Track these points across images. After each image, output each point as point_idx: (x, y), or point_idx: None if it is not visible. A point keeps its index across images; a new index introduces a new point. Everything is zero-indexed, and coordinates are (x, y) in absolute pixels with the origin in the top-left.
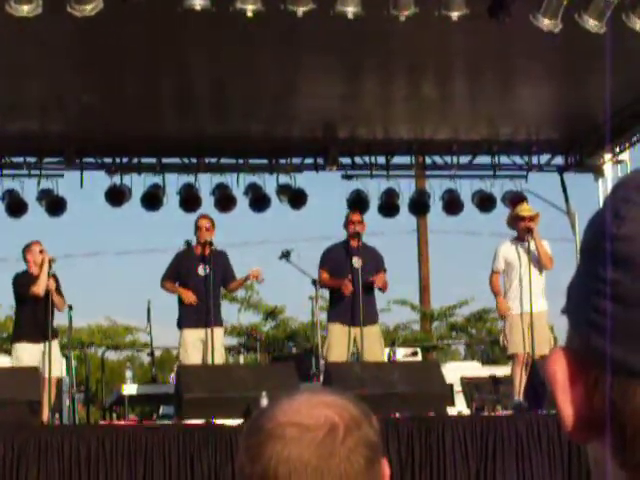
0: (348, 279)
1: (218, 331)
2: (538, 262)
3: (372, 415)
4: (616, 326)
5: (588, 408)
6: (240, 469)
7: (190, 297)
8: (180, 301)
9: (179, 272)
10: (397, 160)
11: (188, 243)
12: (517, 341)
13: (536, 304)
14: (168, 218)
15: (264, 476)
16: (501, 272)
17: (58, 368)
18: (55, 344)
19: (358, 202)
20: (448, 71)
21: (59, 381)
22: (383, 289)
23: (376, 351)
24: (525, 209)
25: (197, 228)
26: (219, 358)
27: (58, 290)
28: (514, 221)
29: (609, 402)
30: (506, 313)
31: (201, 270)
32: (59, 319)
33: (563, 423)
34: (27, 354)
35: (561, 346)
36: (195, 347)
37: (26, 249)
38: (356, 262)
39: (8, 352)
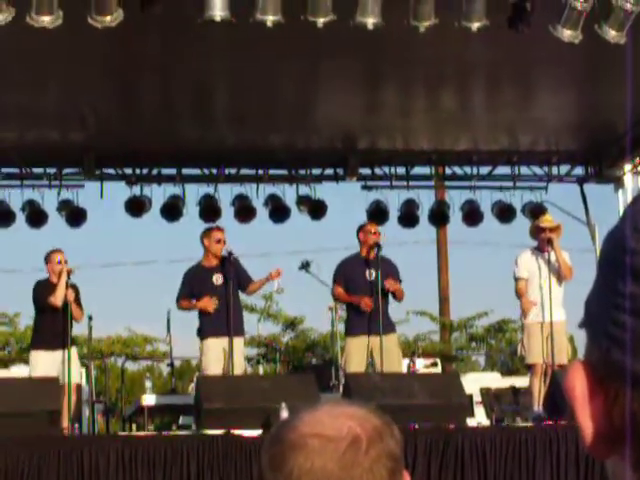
0: (366, 298)
1: (239, 341)
2: (558, 272)
3: (394, 426)
4: (636, 339)
5: (608, 422)
6: (262, 478)
7: (210, 304)
8: (200, 311)
9: (193, 288)
10: (417, 171)
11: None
12: (536, 351)
13: (555, 314)
14: (188, 229)
15: None
16: (525, 279)
17: (76, 376)
18: (73, 352)
19: (378, 213)
20: (468, 81)
21: (78, 389)
22: (398, 298)
23: (394, 360)
24: (546, 220)
25: (215, 241)
26: (239, 368)
27: (77, 301)
28: (535, 232)
29: (629, 415)
30: (528, 310)
31: (216, 280)
32: (78, 328)
33: (582, 438)
34: (44, 362)
35: (580, 360)
36: (217, 357)
37: (46, 258)
38: (371, 274)
39: (28, 362)
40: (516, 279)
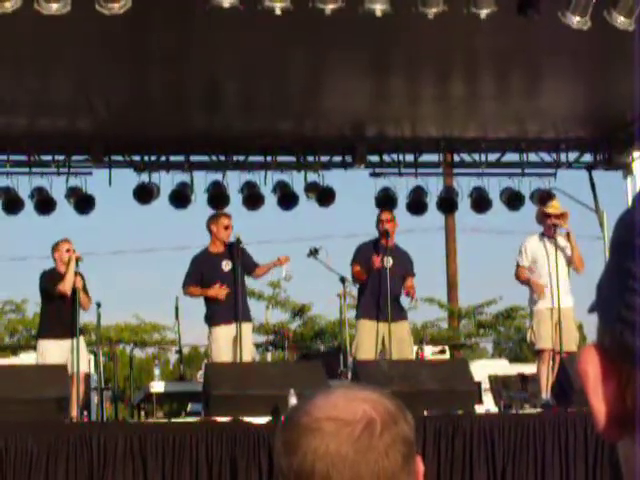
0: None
1: (247, 326)
2: (566, 259)
3: (407, 411)
4: None
5: (621, 405)
6: (277, 463)
7: (220, 292)
8: (208, 298)
9: (202, 274)
10: (425, 158)
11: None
12: (545, 336)
13: (563, 300)
14: (196, 216)
15: (301, 470)
16: (525, 267)
17: (85, 364)
18: (81, 341)
19: (386, 200)
20: (476, 69)
21: (87, 377)
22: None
23: (405, 347)
24: (552, 206)
25: (223, 227)
26: (248, 353)
27: (84, 289)
28: (541, 218)
29: None
30: (542, 290)
31: (225, 266)
32: (86, 316)
33: (595, 421)
34: (52, 351)
35: (592, 343)
36: (226, 343)
37: (54, 247)
38: (386, 261)
39: (36, 349)
40: (517, 265)
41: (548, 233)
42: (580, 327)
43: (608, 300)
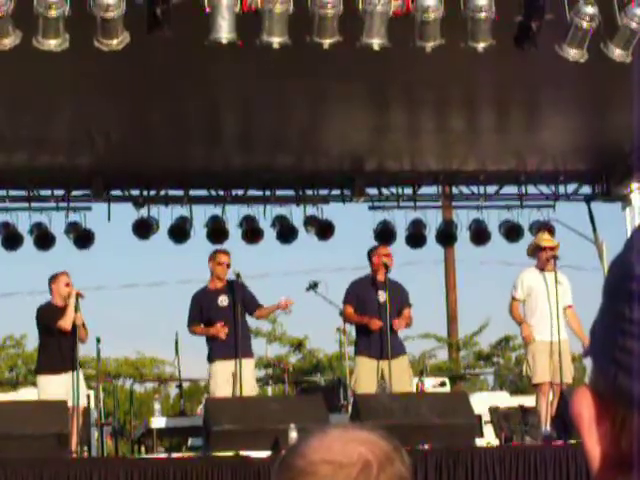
0: (376, 319)
1: (248, 362)
2: (561, 292)
3: (403, 449)
4: None
5: (615, 447)
6: None
7: (221, 330)
8: (209, 335)
9: (202, 311)
10: (424, 191)
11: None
12: (542, 369)
13: (561, 333)
14: (195, 250)
15: None
16: (521, 301)
17: (84, 399)
18: (80, 375)
19: (385, 233)
20: (475, 102)
21: (85, 410)
22: (408, 326)
23: (404, 381)
24: (545, 239)
25: (217, 263)
26: (250, 389)
27: (82, 323)
28: (535, 251)
29: (636, 440)
30: (530, 339)
31: (222, 302)
32: (85, 350)
33: (589, 462)
34: (52, 386)
35: (586, 386)
36: (226, 379)
37: (52, 280)
38: (382, 296)
39: (35, 384)
40: (512, 298)
41: (544, 266)
42: (579, 358)
43: (602, 343)
